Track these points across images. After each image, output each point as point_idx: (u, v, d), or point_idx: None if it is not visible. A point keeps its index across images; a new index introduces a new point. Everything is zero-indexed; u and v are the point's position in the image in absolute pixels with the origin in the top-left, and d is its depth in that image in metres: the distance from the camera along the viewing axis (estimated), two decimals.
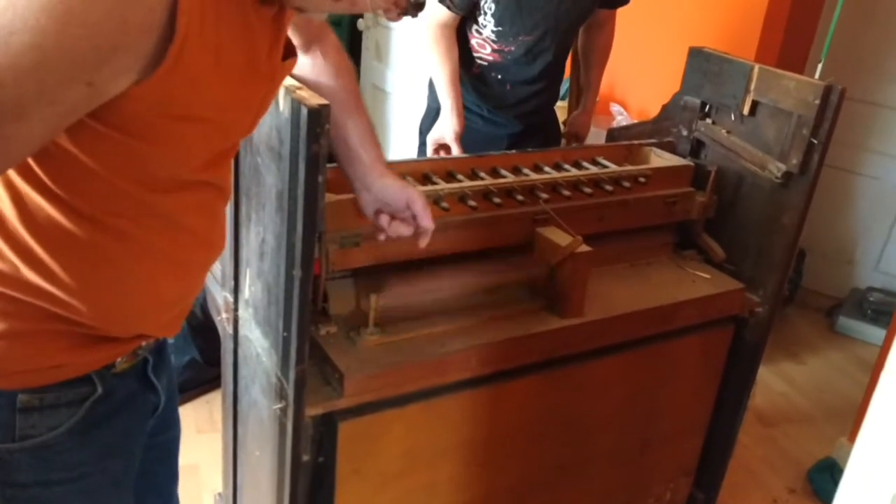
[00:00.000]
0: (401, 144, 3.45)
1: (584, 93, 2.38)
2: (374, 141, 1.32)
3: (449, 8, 1.93)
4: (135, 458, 1.07)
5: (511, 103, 2.08)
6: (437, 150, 2.05)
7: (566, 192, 1.65)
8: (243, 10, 0.85)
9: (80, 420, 0.95)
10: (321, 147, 1.09)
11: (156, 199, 0.89)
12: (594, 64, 2.32)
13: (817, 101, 1.60)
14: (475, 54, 2.09)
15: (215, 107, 0.87)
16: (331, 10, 0.93)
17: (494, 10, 1.95)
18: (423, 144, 2.19)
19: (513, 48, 2.04)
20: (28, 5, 0.67)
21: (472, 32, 2.05)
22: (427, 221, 1.32)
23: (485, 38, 2.03)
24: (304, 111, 1.07)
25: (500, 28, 1.99)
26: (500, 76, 2.09)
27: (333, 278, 1.45)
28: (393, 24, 3.65)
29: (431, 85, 2.13)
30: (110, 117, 0.79)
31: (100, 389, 0.96)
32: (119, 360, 0.98)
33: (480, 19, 2.01)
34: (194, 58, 0.78)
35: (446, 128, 2.01)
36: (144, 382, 1.05)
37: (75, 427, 0.94)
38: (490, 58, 2.07)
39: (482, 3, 1.96)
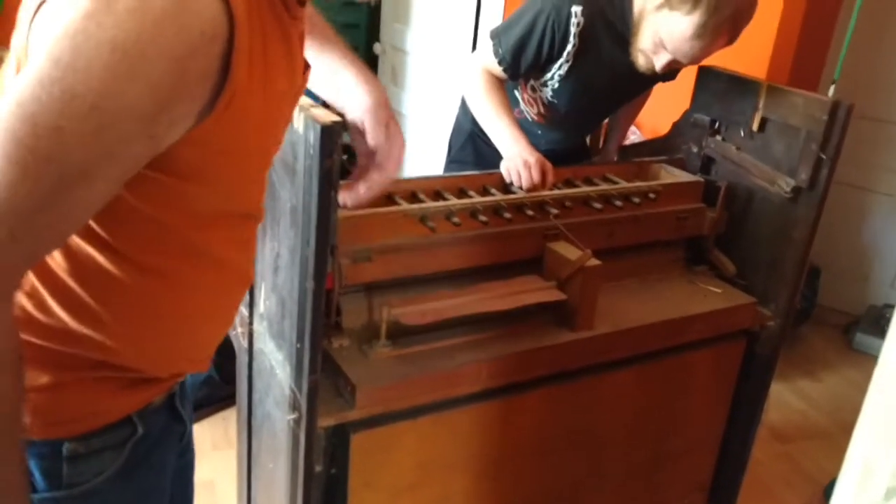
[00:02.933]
0: (416, 167, 3.48)
1: (610, 136, 2.34)
2: (352, 57, 1.19)
3: (505, 71, 1.83)
4: (167, 493, 1.07)
5: (542, 150, 1.90)
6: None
7: (576, 208, 1.67)
8: (285, 30, 0.83)
9: (123, 463, 0.94)
10: (334, 162, 1.12)
11: (199, 236, 0.88)
12: (627, 115, 2.30)
13: (825, 118, 1.62)
14: (521, 105, 2.02)
15: (261, 134, 0.87)
16: None
17: (558, 88, 1.91)
18: (452, 162, 2.17)
19: (560, 117, 2.00)
20: (88, 67, 0.64)
21: (525, 87, 1.98)
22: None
23: (537, 97, 1.98)
24: (318, 128, 1.09)
25: (554, 100, 1.94)
26: (539, 132, 2.04)
27: (346, 293, 1.47)
28: (409, 49, 3.70)
29: (464, 105, 2.07)
30: (159, 162, 0.77)
31: (140, 430, 0.95)
32: (157, 398, 0.98)
33: (539, 84, 1.94)
34: (245, 95, 0.77)
35: (525, 152, 1.74)
36: (173, 414, 1.04)
37: (120, 470, 0.94)
38: (534, 117, 2.02)
39: (548, 77, 1.89)
